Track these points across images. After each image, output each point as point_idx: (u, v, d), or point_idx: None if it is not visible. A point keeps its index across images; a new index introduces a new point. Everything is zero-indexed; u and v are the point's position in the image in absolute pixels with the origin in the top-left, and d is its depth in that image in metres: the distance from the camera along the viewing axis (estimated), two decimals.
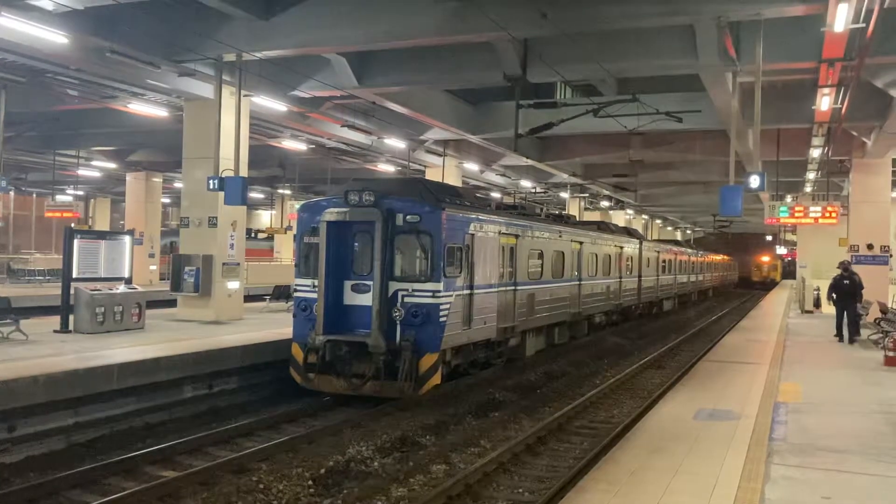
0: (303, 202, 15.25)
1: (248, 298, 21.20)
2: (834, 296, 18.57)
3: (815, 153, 22.58)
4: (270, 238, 44.46)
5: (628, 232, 29.84)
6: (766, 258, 73.76)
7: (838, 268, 18.95)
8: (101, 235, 16.78)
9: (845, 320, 18.35)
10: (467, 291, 13.40)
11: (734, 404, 10.50)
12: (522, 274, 16.01)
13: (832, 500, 6.47)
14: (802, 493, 6.64)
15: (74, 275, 15.29)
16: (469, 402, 13.28)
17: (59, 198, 39.16)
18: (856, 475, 7.26)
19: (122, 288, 15.80)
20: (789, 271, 69.17)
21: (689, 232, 79.58)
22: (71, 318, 14.94)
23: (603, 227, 25.79)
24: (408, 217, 12.63)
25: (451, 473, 9.38)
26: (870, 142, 22.78)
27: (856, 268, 19.76)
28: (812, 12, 12.62)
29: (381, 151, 27.14)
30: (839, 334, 18.47)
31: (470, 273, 13.51)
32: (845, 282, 18.15)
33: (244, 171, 17.16)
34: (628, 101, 17.11)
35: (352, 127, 22.03)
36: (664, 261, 33.74)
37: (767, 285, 66.53)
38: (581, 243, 20.75)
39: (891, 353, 14.36)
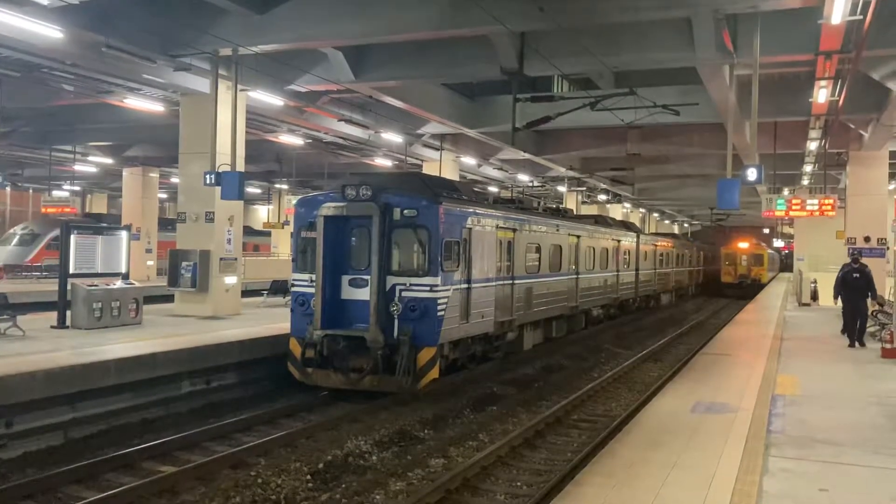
0: (300, 197, 15.22)
1: (246, 293, 21.17)
2: (841, 293, 16.12)
3: (812, 146, 22.59)
4: None
5: (626, 225, 29.84)
6: (743, 244, 47.46)
7: (850, 255, 16.85)
8: (98, 230, 16.74)
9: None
10: (465, 285, 13.40)
11: (732, 397, 10.50)
12: (520, 268, 16.01)
13: (830, 493, 6.48)
14: (800, 486, 6.65)
15: (71, 270, 15.25)
16: (467, 396, 13.30)
17: (56, 193, 39.10)
18: (853, 467, 7.27)
19: (119, 283, 15.77)
20: (787, 264, 61.66)
21: (686, 225, 78.94)
22: (68, 313, 14.92)
23: (600, 220, 25.77)
24: (405, 211, 12.62)
25: (450, 467, 9.39)
26: (867, 134, 22.78)
27: None
28: (809, 4, 12.60)
29: (379, 146, 27.09)
30: (851, 339, 16.05)
31: (467, 267, 13.50)
32: (855, 275, 15.85)
33: (241, 166, 17.13)
34: (625, 94, 17.10)
35: (349, 121, 22.00)
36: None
37: (746, 291, 43.05)
38: (578, 237, 20.74)
39: (888, 346, 14.37)
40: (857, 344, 15.84)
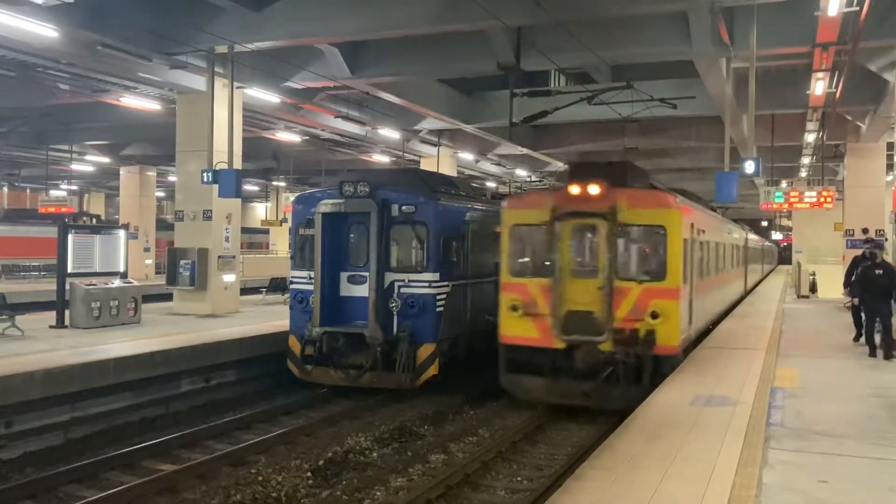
0: (298, 194, 15.20)
1: (245, 291, 21.17)
2: (859, 292, 13.27)
3: (810, 138, 22.58)
4: None
5: None
6: (588, 189, 10.89)
7: (870, 248, 13.52)
8: (96, 230, 16.72)
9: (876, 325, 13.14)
10: (464, 281, 13.39)
11: (731, 390, 10.50)
12: None
13: (829, 484, 6.49)
14: (800, 478, 6.65)
15: (70, 270, 15.23)
16: (466, 392, 13.30)
17: (53, 193, 39.01)
18: (852, 459, 7.28)
19: (117, 282, 15.76)
20: (785, 258, 57.70)
21: None
22: (67, 313, 14.91)
23: None
24: (403, 207, 12.61)
25: (450, 463, 9.40)
26: (864, 126, 22.78)
27: (852, 253, 18.94)
28: None
29: (376, 142, 27.07)
30: (868, 343, 13.27)
31: (466, 263, 13.49)
32: (878, 272, 12.93)
33: (238, 164, 17.10)
34: (622, 88, 17.05)
35: (345, 118, 21.96)
36: None
37: (579, 393, 11.08)
38: None
39: None
40: (882, 354, 12.89)
